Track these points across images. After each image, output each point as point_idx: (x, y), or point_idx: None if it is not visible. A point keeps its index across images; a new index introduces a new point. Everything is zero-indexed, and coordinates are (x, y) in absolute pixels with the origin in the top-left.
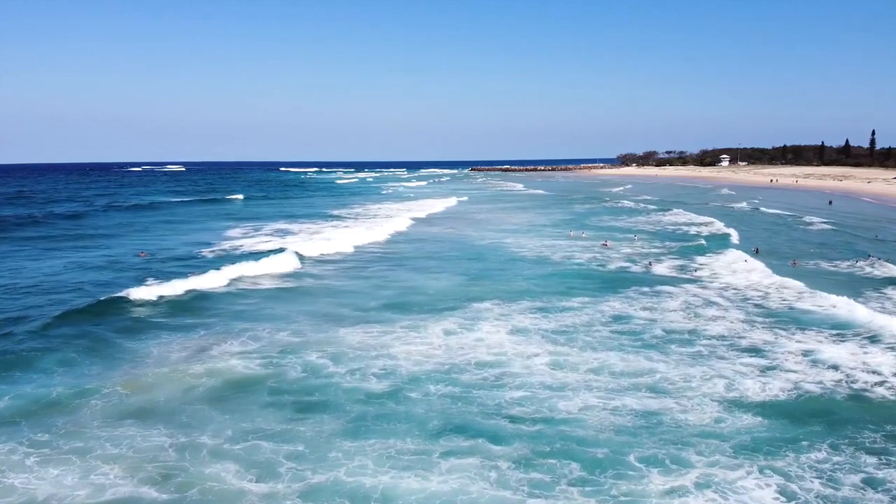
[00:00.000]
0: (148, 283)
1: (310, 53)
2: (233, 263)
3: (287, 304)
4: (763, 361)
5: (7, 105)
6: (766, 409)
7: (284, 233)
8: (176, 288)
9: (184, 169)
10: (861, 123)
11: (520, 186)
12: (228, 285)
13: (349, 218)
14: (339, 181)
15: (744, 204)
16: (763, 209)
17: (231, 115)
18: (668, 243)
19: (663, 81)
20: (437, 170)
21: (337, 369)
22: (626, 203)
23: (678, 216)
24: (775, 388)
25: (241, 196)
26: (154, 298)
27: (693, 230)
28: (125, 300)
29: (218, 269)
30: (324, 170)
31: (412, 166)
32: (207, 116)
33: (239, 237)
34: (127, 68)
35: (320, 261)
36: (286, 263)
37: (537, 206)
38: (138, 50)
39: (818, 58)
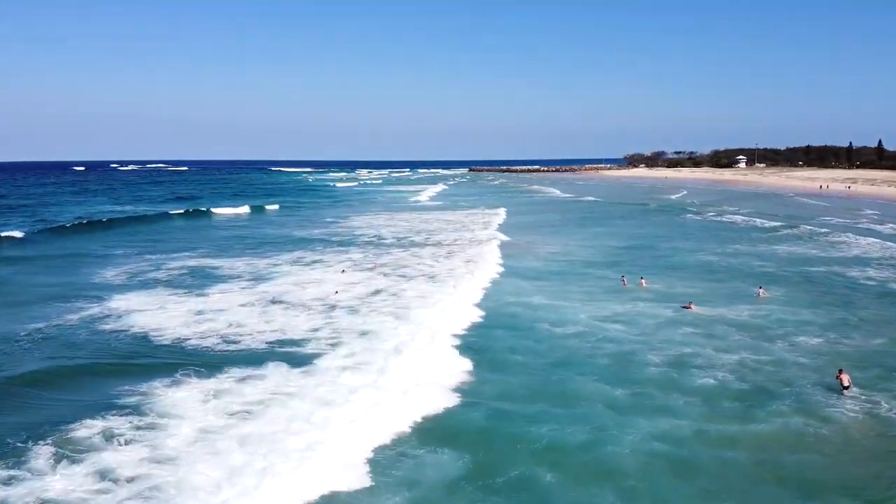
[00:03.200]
0: None
1: (307, 52)
2: None
3: None
4: None
5: (7, 103)
6: None
7: (204, 284)
8: None
9: (186, 169)
10: (871, 123)
11: (556, 191)
12: None
13: (330, 248)
14: (338, 185)
15: (884, 225)
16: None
17: (231, 114)
18: (869, 311)
19: (664, 81)
20: (437, 170)
21: None
22: (694, 217)
23: (816, 244)
24: None
25: (214, 208)
26: None
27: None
28: None
29: None
30: (319, 170)
31: (407, 166)
32: (207, 115)
33: (121, 296)
34: (119, 65)
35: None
36: None
37: (568, 220)
38: (131, 47)
39: (824, 56)
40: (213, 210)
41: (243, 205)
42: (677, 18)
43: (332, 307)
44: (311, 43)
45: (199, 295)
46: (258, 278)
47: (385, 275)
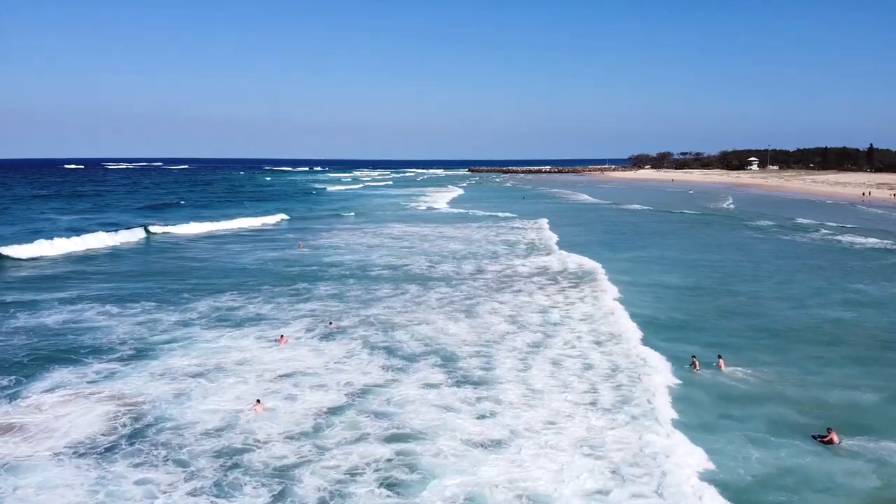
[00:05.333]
0: None
1: (305, 50)
2: None
3: None
4: None
5: (8, 102)
6: None
7: (39, 370)
8: None
9: (186, 167)
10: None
11: (586, 196)
12: None
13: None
14: (331, 188)
15: None
16: None
17: (235, 113)
18: None
19: (664, 80)
20: (436, 170)
21: None
22: (757, 234)
23: None
24: None
25: (162, 226)
26: None
27: None
28: None
29: None
30: (317, 169)
31: (405, 166)
32: (212, 114)
33: None
34: (120, 65)
35: None
36: None
37: (628, 236)
38: (132, 46)
39: (829, 55)
40: (154, 229)
41: (217, 213)
42: (678, 17)
43: (239, 463)
44: (308, 40)
45: (10, 399)
46: (139, 356)
47: (370, 349)
